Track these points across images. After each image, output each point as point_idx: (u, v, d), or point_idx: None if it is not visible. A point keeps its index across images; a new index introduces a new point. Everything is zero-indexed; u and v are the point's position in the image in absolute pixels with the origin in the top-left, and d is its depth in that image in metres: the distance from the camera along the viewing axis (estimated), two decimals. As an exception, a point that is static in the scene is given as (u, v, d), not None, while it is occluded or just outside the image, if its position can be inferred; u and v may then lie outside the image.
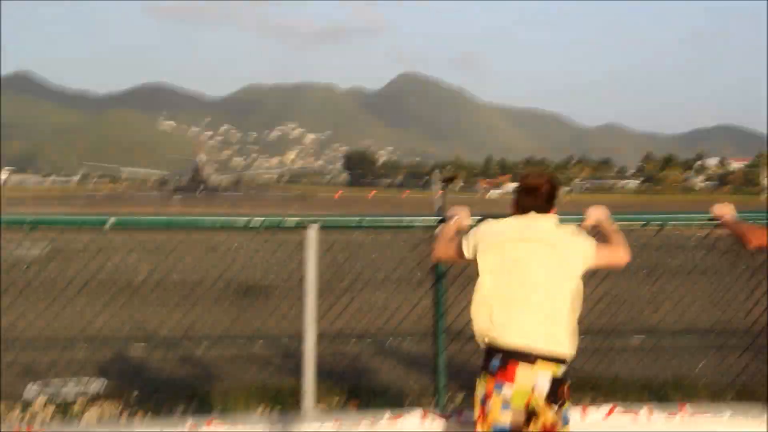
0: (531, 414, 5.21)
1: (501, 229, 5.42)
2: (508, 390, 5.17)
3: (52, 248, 12.17)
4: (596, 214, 5.94)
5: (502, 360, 5.21)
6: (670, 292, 10.50)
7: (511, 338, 5.20)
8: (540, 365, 5.15)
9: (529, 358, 5.15)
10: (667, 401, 6.93)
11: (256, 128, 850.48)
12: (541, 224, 5.38)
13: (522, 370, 5.15)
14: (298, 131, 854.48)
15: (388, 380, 9.86)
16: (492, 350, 5.27)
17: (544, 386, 5.15)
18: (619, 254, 5.56)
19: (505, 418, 5.20)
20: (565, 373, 5.24)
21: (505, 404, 5.19)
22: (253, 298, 15.14)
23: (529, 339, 5.18)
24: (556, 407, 5.18)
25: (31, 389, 9.61)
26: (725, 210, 6.26)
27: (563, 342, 5.22)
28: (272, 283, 12.75)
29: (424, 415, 6.32)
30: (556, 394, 5.17)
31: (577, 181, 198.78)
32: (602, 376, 9.49)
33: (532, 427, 5.22)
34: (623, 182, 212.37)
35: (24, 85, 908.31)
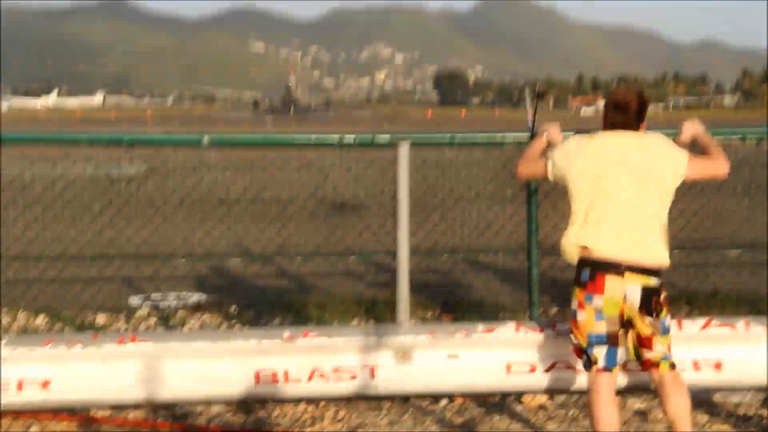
0: (627, 324, 5.24)
1: (589, 146, 5.35)
2: (598, 300, 5.19)
3: (148, 167, 12.39)
4: (692, 128, 5.81)
5: (591, 272, 5.22)
6: (766, 208, 10.28)
7: (599, 250, 5.20)
8: (628, 276, 5.14)
9: (617, 268, 5.15)
10: (765, 315, 6.83)
11: (345, 49, 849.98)
12: (630, 140, 5.31)
13: (610, 281, 5.16)
14: (387, 51, 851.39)
15: (482, 295, 9.90)
16: (582, 263, 5.28)
17: (634, 297, 5.15)
18: (716, 165, 5.45)
19: (600, 328, 5.23)
20: (660, 284, 5.21)
21: (599, 314, 5.21)
22: (345, 215, 15.29)
23: (616, 250, 5.17)
24: (651, 317, 5.18)
25: (132, 301, 9.89)
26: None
27: (652, 253, 5.20)
28: (364, 201, 12.84)
29: (518, 327, 6.35)
30: (650, 305, 5.16)
31: (672, 97, 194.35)
32: (698, 291, 9.41)
33: (629, 336, 5.26)
34: (720, 98, 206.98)
35: (117, 8, 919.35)
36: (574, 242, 5.30)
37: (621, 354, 5.30)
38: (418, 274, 9.18)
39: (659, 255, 5.22)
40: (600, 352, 5.26)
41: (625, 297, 5.16)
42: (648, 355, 5.27)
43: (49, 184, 9.89)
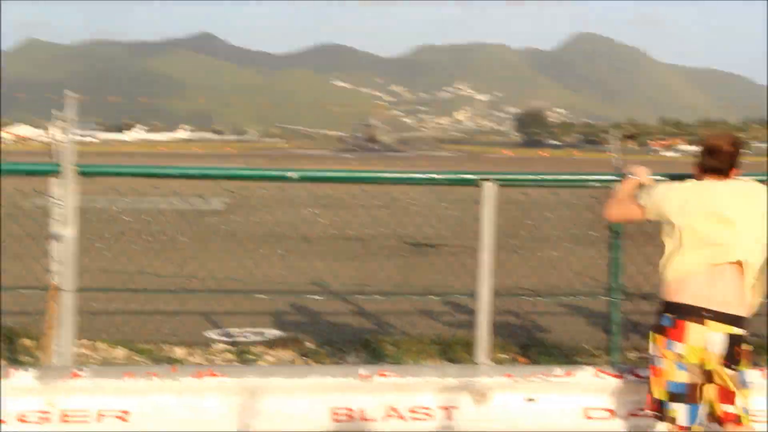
0: (708, 374, 5.10)
1: (686, 189, 5.26)
2: (680, 348, 5.07)
3: (231, 202, 12.53)
4: None
5: (673, 318, 5.11)
6: None
7: (683, 295, 5.09)
8: (711, 324, 5.02)
9: (700, 315, 5.03)
10: None
11: (427, 88, 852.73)
12: (726, 187, 5.21)
13: (693, 328, 5.04)
14: (468, 91, 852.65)
15: (560, 337, 9.79)
16: (664, 307, 5.18)
17: (716, 345, 5.02)
18: None
19: (682, 378, 5.10)
20: (744, 334, 5.08)
21: (679, 362, 5.09)
22: (425, 253, 15.26)
23: (700, 296, 5.05)
24: (732, 369, 5.04)
25: (210, 335, 9.98)
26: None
27: (738, 301, 5.07)
28: (444, 239, 12.79)
29: (598, 372, 6.24)
30: (732, 355, 5.03)
31: (757, 143, 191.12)
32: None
33: (710, 387, 5.11)
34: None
35: (206, 45, 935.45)
36: (662, 278, 5.20)
37: (701, 411, 5.15)
38: (497, 315, 9.10)
39: (744, 303, 5.09)
40: (680, 409, 5.12)
41: (706, 346, 5.03)
42: (728, 409, 5.10)
43: (136, 217, 10.06)
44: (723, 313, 5.03)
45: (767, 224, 5.15)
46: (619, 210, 5.61)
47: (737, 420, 5.11)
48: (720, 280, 5.06)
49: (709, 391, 5.13)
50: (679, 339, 5.07)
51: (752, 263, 5.11)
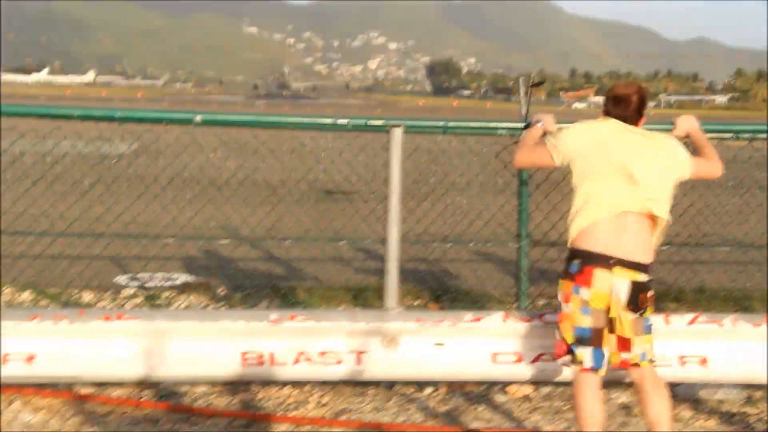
0: (611, 322, 5.19)
1: (595, 131, 5.31)
2: (585, 293, 5.16)
3: (139, 145, 12.34)
4: (686, 124, 5.79)
5: (580, 264, 5.19)
6: (757, 206, 10.30)
7: (590, 242, 5.17)
8: (617, 271, 5.11)
9: (607, 262, 5.12)
10: (753, 312, 6.85)
11: (338, 36, 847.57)
12: (637, 133, 5.28)
13: (599, 274, 5.12)
14: (380, 40, 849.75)
15: (470, 284, 9.90)
16: (572, 254, 5.26)
17: (621, 292, 5.12)
18: (712, 166, 5.47)
19: (586, 322, 5.19)
20: (648, 281, 5.18)
21: (584, 307, 5.17)
22: (336, 200, 15.28)
23: (607, 243, 5.13)
24: (636, 314, 5.15)
25: (119, 280, 9.86)
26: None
27: (644, 249, 5.18)
28: (355, 186, 12.82)
29: (506, 317, 6.34)
30: (636, 301, 5.13)
31: (663, 95, 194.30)
32: (686, 287, 9.42)
33: (613, 332, 5.21)
34: (712, 97, 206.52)
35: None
36: (570, 225, 5.27)
37: (606, 354, 5.23)
38: (408, 262, 9.17)
39: (649, 251, 5.20)
40: (586, 352, 5.20)
41: (612, 291, 5.13)
42: (626, 356, 5.23)
43: (38, 159, 9.84)
44: (628, 261, 5.11)
45: (672, 177, 5.25)
46: (527, 157, 5.63)
47: (636, 364, 5.24)
48: (626, 229, 5.13)
49: (610, 341, 5.22)
50: (586, 284, 5.14)
51: (659, 212, 5.19)
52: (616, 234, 5.13)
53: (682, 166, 5.30)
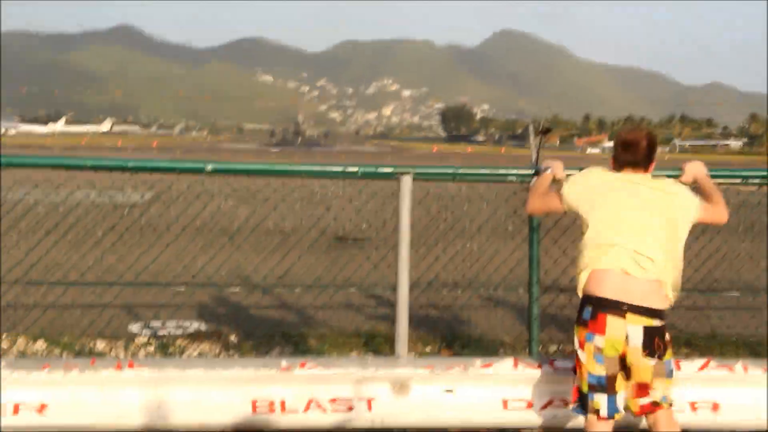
0: (628, 369, 5.17)
1: (601, 179, 5.35)
2: (600, 340, 5.13)
3: (152, 194, 12.41)
4: (694, 170, 5.81)
5: (593, 310, 5.17)
6: (767, 251, 10.30)
7: (602, 288, 5.17)
8: (630, 317, 5.09)
9: (619, 308, 5.10)
10: (763, 358, 6.80)
11: (352, 83, 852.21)
12: (643, 181, 5.30)
13: (611, 321, 5.10)
14: (394, 87, 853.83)
15: (481, 330, 9.90)
16: (585, 301, 5.25)
17: (635, 338, 5.09)
18: (719, 212, 5.48)
19: (600, 370, 5.17)
20: (663, 325, 5.15)
21: (598, 355, 5.15)
22: (346, 247, 15.29)
23: (618, 289, 5.11)
24: (655, 359, 5.12)
25: (132, 328, 9.89)
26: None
27: (657, 294, 5.14)
28: (365, 233, 12.85)
29: (516, 363, 6.32)
30: (652, 346, 5.09)
31: (677, 140, 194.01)
32: (698, 333, 9.39)
33: (629, 378, 5.19)
34: (726, 142, 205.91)
35: (125, 37, 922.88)
36: (581, 272, 5.27)
37: (621, 401, 5.21)
38: (418, 308, 9.18)
39: (662, 296, 5.17)
40: (601, 400, 5.19)
41: (627, 338, 5.10)
42: (643, 402, 5.20)
43: (52, 209, 9.93)
44: (641, 307, 5.08)
45: (683, 220, 5.26)
46: (538, 203, 5.68)
47: (653, 406, 5.21)
48: (636, 272, 5.13)
49: (626, 387, 5.19)
50: (600, 332, 5.12)
51: (671, 256, 5.19)
52: (625, 279, 5.13)
53: (690, 210, 5.31)
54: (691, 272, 8.72)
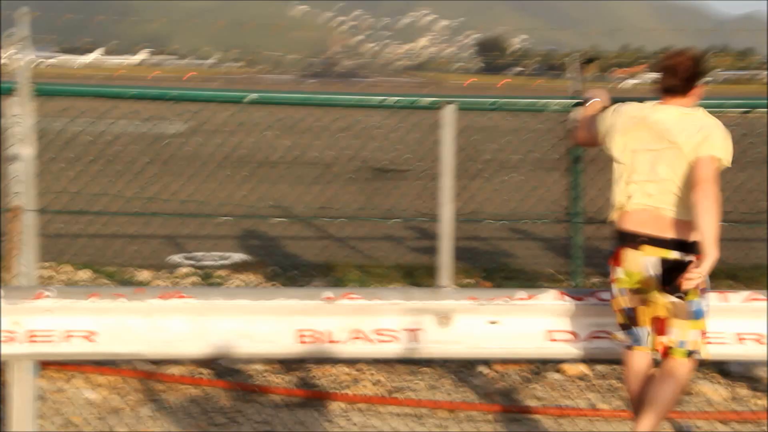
0: (647, 301, 5.03)
1: (630, 116, 5.13)
2: (620, 273, 5.07)
3: (191, 125, 12.41)
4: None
5: (615, 244, 5.11)
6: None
7: (623, 221, 5.07)
8: (645, 249, 4.95)
9: (634, 241, 4.98)
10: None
11: (387, 14, 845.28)
12: (674, 115, 5.01)
13: (628, 254, 5.00)
14: (429, 17, 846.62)
15: (523, 262, 9.88)
16: (613, 235, 5.16)
17: (652, 270, 4.92)
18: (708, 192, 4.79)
19: (625, 303, 5.12)
20: (686, 260, 4.83)
21: (621, 288, 5.10)
22: (387, 178, 15.28)
23: (635, 221, 5.00)
24: (674, 297, 4.91)
25: (174, 259, 9.96)
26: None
27: (674, 225, 4.92)
28: (407, 164, 12.81)
29: (560, 295, 6.30)
30: (671, 281, 4.84)
31: (718, 71, 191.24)
32: (742, 264, 9.31)
33: (648, 312, 5.06)
34: (763, 73, 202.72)
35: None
36: (611, 206, 5.17)
37: (644, 334, 5.08)
38: (460, 240, 9.15)
39: (683, 228, 4.91)
40: (628, 332, 5.16)
41: (643, 270, 4.97)
42: (662, 339, 5.00)
43: (93, 140, 9.95)
44: (659, 238, 4.93)
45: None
46: (583, 135, 5.60)
47: (667, 352, 5.02)
48: (655, 204, 4.97)
49: (648, 321, 5.08)
50: (619, 264, 5.06)
51: (682, 211, 4.93)
52: (644, 212, 4.99)
53: (695, 151, 4.89)
54: (735, 204, 8.66)
